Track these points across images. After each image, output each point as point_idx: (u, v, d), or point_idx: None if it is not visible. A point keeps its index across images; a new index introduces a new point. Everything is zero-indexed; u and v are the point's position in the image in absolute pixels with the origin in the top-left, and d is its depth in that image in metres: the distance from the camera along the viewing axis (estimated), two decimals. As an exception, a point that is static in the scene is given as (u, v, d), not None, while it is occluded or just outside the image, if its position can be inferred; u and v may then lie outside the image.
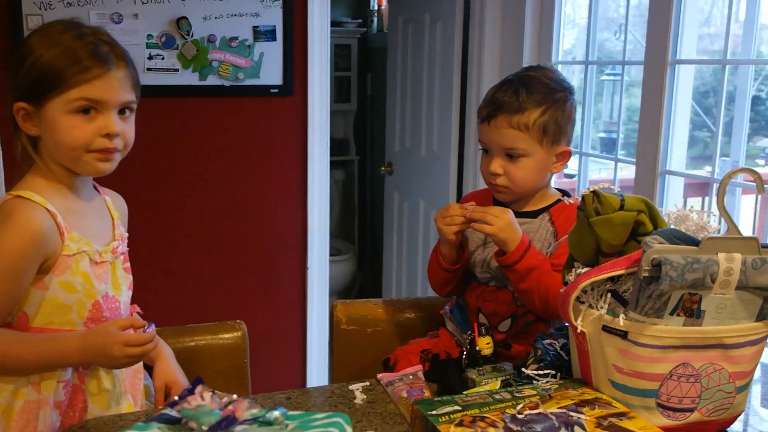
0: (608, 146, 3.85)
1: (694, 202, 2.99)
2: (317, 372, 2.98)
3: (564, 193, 1.57)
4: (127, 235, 1.47)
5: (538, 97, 1.46)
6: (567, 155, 1.52)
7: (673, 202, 2.35)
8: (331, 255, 2.98)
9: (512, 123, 1.45)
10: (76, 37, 1.28)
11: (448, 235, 1.46)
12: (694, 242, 1.08)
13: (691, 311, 1.09)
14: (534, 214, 1.53)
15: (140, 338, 1.27)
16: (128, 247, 1.47)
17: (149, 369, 1.49)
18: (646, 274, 1.06)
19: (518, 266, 1.41)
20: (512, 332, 1.51)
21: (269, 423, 0.92)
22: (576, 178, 2.91)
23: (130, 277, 1.45)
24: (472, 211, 1.44)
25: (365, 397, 1.32)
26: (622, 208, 1.14)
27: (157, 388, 1.46)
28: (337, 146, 3.82)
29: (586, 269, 1.17)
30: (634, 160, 2.42)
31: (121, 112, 1.32)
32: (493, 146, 1.49)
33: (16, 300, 1.27)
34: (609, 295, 1.13)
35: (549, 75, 1.51)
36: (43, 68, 1.26)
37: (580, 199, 1.19)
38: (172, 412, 0.90)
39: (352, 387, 1.35)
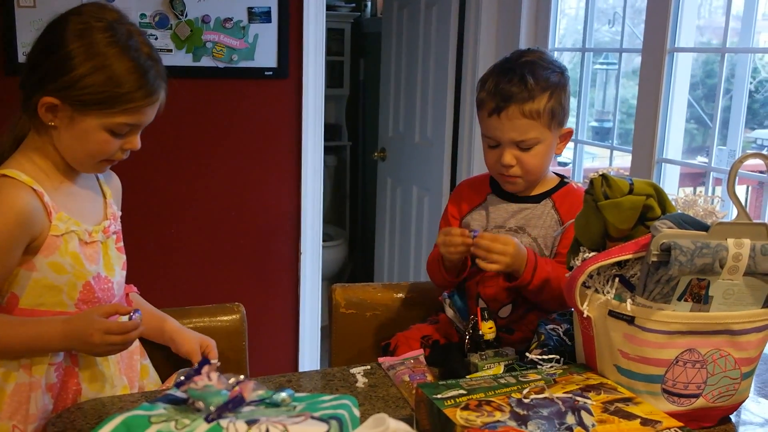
0: (600, 135, 3.85)
1: (689, 191, 3.00)
2: (309, 355, 2.97)
3: (561, 177, 1.56)
4: (120, 213, 1.44)
5: (543, 82, 1.43)
6: (569, 135, 1.51)
7: (669, 191, 2.35)
8: (322, 241, 2.97)
9: (524, 112, 1.41)
10: (123, 53, 1.23)
11: (453, 258, 1.44)
12: (703, 227, 1.08)
13: (699, 297, 1.09)
14: (536, 199, 1.51)
15: (121, 326, 1.23)
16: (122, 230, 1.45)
17: (151, 346, 1.47)
18: (655, 259, 1.05)
19: (531, 286, 1.40)
20: (513, 318, 1.50)
21: (276, 404, 0.90)
22: (570, 166, 2.90)
23: (124, 257, 1.42)
24: (476, 240, 1.39)
25: (366, 380, 1.31)
26: (631, 192, 1.13)
27: (191, 352, 1.43)
28: (329, 131, 3.80)
29: (592, 254, 1.16)
30: (628, 148, 2.42)
31: None
32: (504, 138, 1.44)
33: (1, 279, 1.25)
34: (616, 279, 1.12)
35: (544, 57, 1.49)
36: (89, 89, 1.22)
37: (587, 182, 1.19)
38: (179, 393, 0.89)
39: (354, 370, 1.34)
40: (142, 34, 1.30)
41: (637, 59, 2.34)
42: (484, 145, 1.51)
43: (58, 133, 1.27)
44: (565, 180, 1.53)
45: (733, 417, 1.22)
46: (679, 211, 1.15)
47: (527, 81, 1.41)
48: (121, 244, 1.42)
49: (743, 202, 3.32)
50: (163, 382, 1.47)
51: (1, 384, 1.27)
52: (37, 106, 1.24)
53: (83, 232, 1.31)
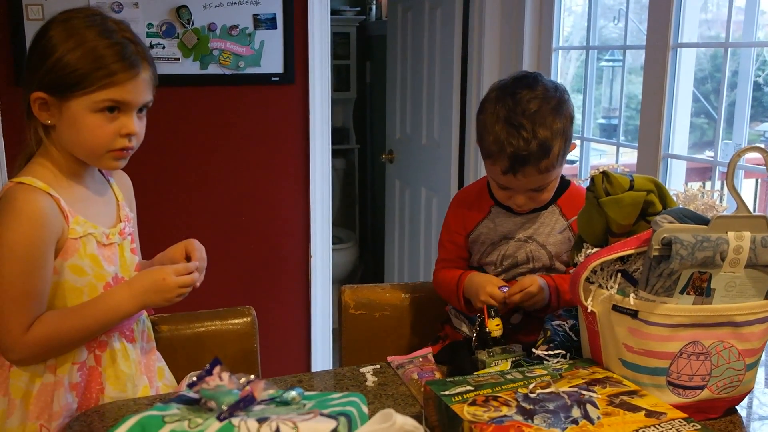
0: (607, 132, 3.85)
1: (696, 186, 2.99)
2: (321, 358, 2.99)
3: (562, 177, 1.56)
4: (132, 215, 1.47)
5: (554, 126, 1.37)
6: (572, 148, 1.51)
7: (675, 186, 2.36)
8: (332, 243, 2.99)
9: (541, 168, 1.38)
10: (101, 35, 1.27)
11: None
12: (703, 221, 1.09)
13: (701, 290, 1.10)
14: (542, 207, 1.52)
15: (187, 266, 1.33)
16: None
17: (167, 351, 1.50)
18: (657, 253, 1.07)
19: (560, 305, 1.43)
20: (523, 324, 1.51)
21: (286, 402, 0.92)
22: (578, 163, 2.91)
23: (137, 259, 1.45)
24: (509, 297, 1.40)
25: (376, 379, 1.33)
26: (631, 188, 1.15)
27: (176, 256, 1.43)
28: (336, 135, 3.82)
29: (595, 250, 1.18)
30: (636, 144, 2.42)
31: (139, 110, 1.32)
32: (519, 190, 1.43)
33: (47, 283, 1.27)
34: (619, 274, 1.14)
35: (548, 94, 1.40)
36: (68, 68, 1.25)
37: (588, 180, 1.20)
38: (191, 393, 0.91)
39: (363, 370, 1.36)
40: (123, 22, 1.33)
41: (643, 55, 2.35)
42: (492, 183, 1.48)
43: (57, 133, 1.30)
44: (566, 179, 1.54)
45: (741, 408, 1.23)
46: (680, 206, 1.16)
47: (538, 136, 1.35)
48: (135, 246, 1.45)
49: (753, 196, 3.32)
50: (178, 383, 1.49)
51: (27, 385, 1.30)
52: (32, 106, 1.28)
53: (101, 235, 1.34)
